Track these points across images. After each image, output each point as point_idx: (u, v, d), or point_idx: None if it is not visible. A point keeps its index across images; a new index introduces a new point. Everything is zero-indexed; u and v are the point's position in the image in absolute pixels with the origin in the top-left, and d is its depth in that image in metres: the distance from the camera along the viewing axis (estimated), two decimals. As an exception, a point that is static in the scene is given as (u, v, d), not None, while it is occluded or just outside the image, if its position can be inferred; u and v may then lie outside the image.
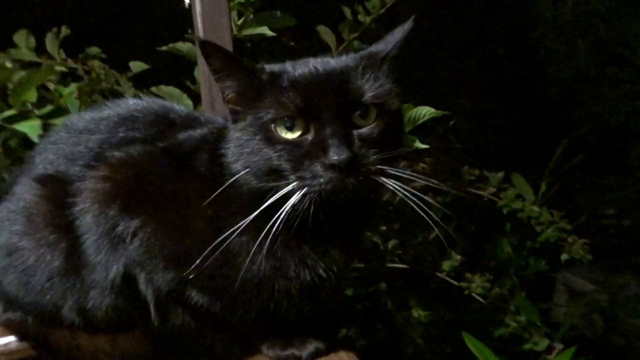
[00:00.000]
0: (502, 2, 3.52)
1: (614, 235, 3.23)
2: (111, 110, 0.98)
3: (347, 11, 1.75)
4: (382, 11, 1.72)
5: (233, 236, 0.82)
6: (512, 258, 2.15)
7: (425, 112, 0.98)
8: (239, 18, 1.36)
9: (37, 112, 1.22)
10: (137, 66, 1.77)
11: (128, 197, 0.87)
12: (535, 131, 3.26)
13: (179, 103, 1.12)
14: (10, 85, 1.16)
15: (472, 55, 3.40)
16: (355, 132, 0.78)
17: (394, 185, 0.79)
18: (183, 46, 1.39)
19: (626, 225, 3.17)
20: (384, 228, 1.91)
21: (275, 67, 0.83)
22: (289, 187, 0.77)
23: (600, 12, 3.09)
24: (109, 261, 0.88)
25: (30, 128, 1.09)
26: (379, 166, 0.78)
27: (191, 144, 0.91)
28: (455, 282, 1.78)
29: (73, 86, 1.52)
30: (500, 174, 1.91)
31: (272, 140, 0.78)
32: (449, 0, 3.33)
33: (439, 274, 1.79)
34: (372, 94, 0.79)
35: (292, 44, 2.11)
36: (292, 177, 0.77)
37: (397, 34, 0.85)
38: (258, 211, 0.77)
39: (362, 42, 1.76)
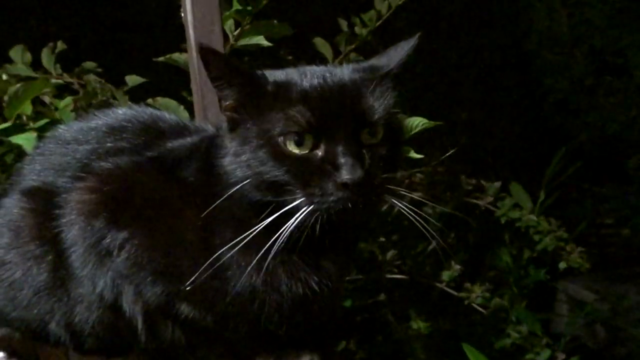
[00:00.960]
0: (497, 12, 3.55)
1: (613, 245, 3.23)
2: (100, 120, 0.97)
3: (344, 23, 1.76)
4: (378, 23, 1.73)
5: (224, 249, 0.80)
6: (512, 268, 2.14)
7: (418, 122, 0.97)
8: (236, 28, 1.36)
9: (32, 125, 1.21)
10: (133, 80, 1.77)
11: (115, 209, 0.85)
12: (532, 141, 3.27)
13: (175, 114, 1.11)
14: (5, 98, 1.16)
15: (469, 65, 3.41)
16: (365, 150, 0.77)
17: (401, 204, 0.79)
18: (179, 57, 1.39)
19: (625, 234, 3.17)
20: (382, 239, 1.90)
21: (278, 75, 0.81)
22: (296, 203, 0.75)
23: (596, 22, 3.12)
24: (95, 275, 0.86)
25: (25, 140, 1.08)
26: (386, 185, 0.78)
27: (180, 152, 0.89)
28: (455, 293, 1.76)
29: (69, 99, 1.52)
30: (498, 184, 1.91)
31: (279, 154, 0.75)
32: (445, 11, 3.36)
33: (438, 285, 1.78)
34: (381, 113, 0.78)
35: (289, 57, 2.12)
36: (300, 193, 0.75)
37: (402, 50, 0.84)
38: (259, 227, 0.75)
39: (358, 55, 1.77)
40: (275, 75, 0.81)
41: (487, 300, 1.77)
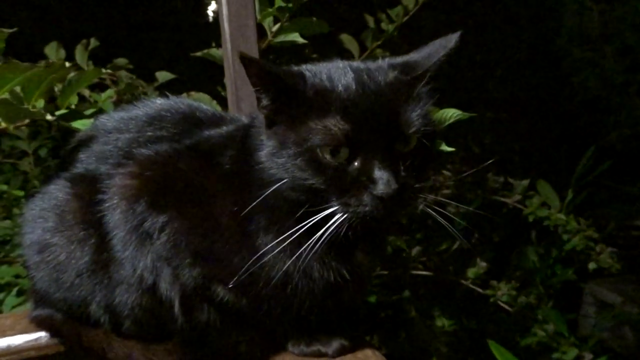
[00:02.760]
0: (527, 10, 3.50)
1: (644, 247, 3.15)
2: (139, 110, 1.00)
3: (370, 19, 1.76)
4: (405, 19, 1.72)
5: (259, 236, 0.83)
6: (538, 267, 2.11)
7: (451, 114, 0.97)
8: (275, 24, 1.38)
9: (85, 112, 1.25)
10: (163, 76, 1.81)
11: (155, 193, 0.88)
12: (561, 139, 3.21)
13: (210, 107, 1.13)
14: (59, 86, 1.19)
15: (497, 63, 3.37)
16: (400, 160, 0.78)
17: (433, 211, 0.82)
18: (216, 52, 1.41)
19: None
20: (407, 237, 1.89)
21: (318, 74, 0.80)
22: (331, 210, 0.77)
23: (627, 18, 3.05)
24: (136, 257, 0.89)
25: (83, 126, 1.12)
26: (418, 193, 0.80)
27: (218, 140, 0.92)
28: (480, 290, 1.75)
29: (110, 91, 1.56)
30: (525, 182, 1.88)
31: (316, 163, 0.77)
32: (473, 7, 3.32)
33: (463, 282, 1.77)
34: (417, 125, 0.79)
35: (314, 55, 2.13)
36: (336, 201, 0.77)
37: (440, 49, 0.83)
38: (296, 228, 0.78)
39: (385, 51, 1.77)
40: (314, 72, 0.81)
41: (513, 299, 1.75)
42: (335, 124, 0.76)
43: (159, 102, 1.01)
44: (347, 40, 1.71)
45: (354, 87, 0.78)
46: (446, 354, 1.88)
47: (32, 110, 1.04)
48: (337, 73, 0.81)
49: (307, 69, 0.83)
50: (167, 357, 0.96)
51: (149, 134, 0.95)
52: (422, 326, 1.88)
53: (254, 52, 1.21)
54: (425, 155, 0.81)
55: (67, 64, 1.09)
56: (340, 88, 0.78)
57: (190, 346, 0.95)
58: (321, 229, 0.77)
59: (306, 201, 0.78)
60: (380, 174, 0.75)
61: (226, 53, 1.24)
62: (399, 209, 0.78)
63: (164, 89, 1.78)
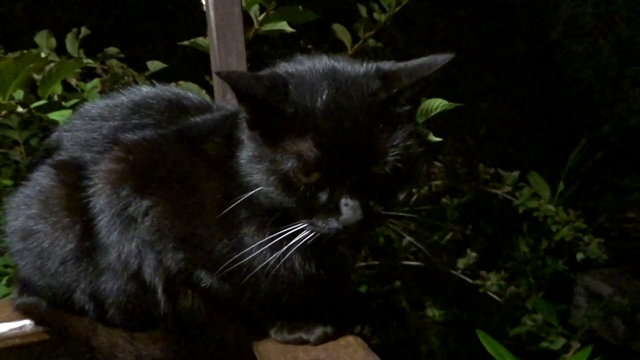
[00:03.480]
0: (522, 1, 3.49)
1: (635, 239, 3.17)
2: (125, 97, 1.00)
3: (363, 9, 1.75)
4: (397, 9, 1.71)
5: (242, 225, 0.83)
6: (529, 258, 2.12)
7: (437, 104, 0.97)
8: (261, 13, 1.37)
9: (64, 103, 1.25)
10: (154, 65, 1.80)
11: (140, 178, 0.88)
12: (553, 130, 3.22)
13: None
14: (39, 77, 1.19)
15: (491, 54, 3.37)
16: (371, 182, 0.77)
17: (397, 227, 0.83)
18: (203, 41, 1.41)
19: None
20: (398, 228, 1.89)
21: (300, 92, 0.77)
22: (299, 227, 0.79)
23: (621, 11, 3.05)
24: (120, 242, 0.90)
25: (61, 117, 1.12)
26: (388, 213, 0.80)
27: (204, 127, 0.92)
28: (470, 280, 1.76)
29: (95, 81, 1.56)
30: (516, 173, 1.89)
31: (287, 184, 0.78)
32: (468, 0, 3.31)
33: (454, 272, 1.78)
34: (394, 153, 0.77)
35: (309, 46, 2.11)
36: (305, 220, 0.79)
37: (427, 67, 0.78)
38: (272, 236, 0.80)
39: (377, 41, 1.76)
40: (298, 81, 0.78)
41: (503, 289, 1.76)
42: (308, 149, 0.75)
43: (144, 90, 1.01)
44: (340, 30, 1.70)
45: (332, 106, 0.76)
46: (436, 343, 1.89)
47: (2, 102, 1.04)
48: (319, 83, 0.78)
49: (292, 73, 0.80)
50: (153, 345, 0.97)
51: (135, 121, 0.95)
52: (412, 316, 1.89)
53: (239, 41, 1.21)
54: (401, 178, 0.80)
55: (44, 54, 1.08)
56: (319, 105, 0.76)
57: (176, 334, 0.96)
58: (298, 235, 0.79)
59: (279, 211, 0.80)
60: (346, 203, 0.76)
61: (212, 42, 1.24)
62: (364, 233, 0.81)
63: (156, 78, 1.78)
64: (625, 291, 2.65)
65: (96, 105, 1.01)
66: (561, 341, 1.66)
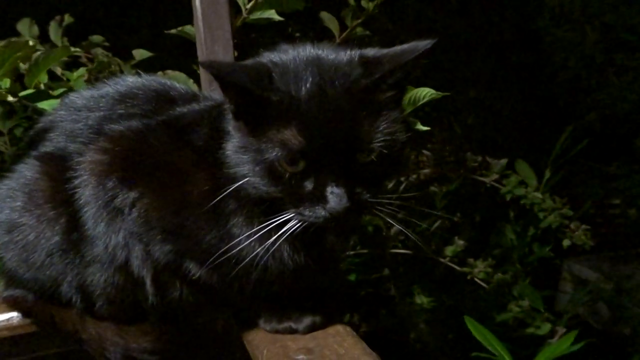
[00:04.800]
0: (508, -11, 3.48)
1: (620, 225, 3.21)
2: (110, 88, 0.99)
3: (350, -3, 1.74)
4: (385, -4, 1.70)
5: (230, 216, 0.83)
6: (516, 245, 2.15)
7: (425, 93, 0.97)
8: (249, 1, 1.36)
9: (52, 92, 1.23)
10: (140, 54, 1.78)
11: (126, 169, 0.88)
12: (540, 118, 3.24)
13: (185, 86, 1.12)
14: (25, 66, 1.17)
15: (478, 42, 3.37)
16: (357, 170, 0.77)
17: (385, 215, 0.82)
18: (191, 29, 1.39)
19: (632, 215, 3.15)
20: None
21: (284, 81, 0.77)
22: (288, 217, 0.79)
23: (608, -2, 3.06)
24: (107, 234, 0.89)
25: (49, 106, 1.10)
26: (375, 200, 0.80)
27: (191, 117, 0.91)
28: (457, 268, 1.78)
29: (82, 70, 1.53)
30: (504, 161, 1.90)
31: (273, 173, 0.78)
32: (454, -13, 3.30)
33: (442, 260, 1.79)
34: (379, 140, 0.77)
35: (297, 34, 2.10)
36: (292, 209, 0.79)
37: (409, 53, 0.78)
38: (259, 227, 0.80)
39: (365, 29, 1.75)
40: (282, 70, 0.78)
41: (490, 276, 1.78)
42: (292, 138, 0.75)
43: (130, 80, 1.00)
44: (327, 19, 1.69)
45: (316, 95, 0.76)
46: (425, 330, 1.91)
47: (-11, 91, 1.02)
48: (303, 71, 0.78)
49: (275, 62, 0.80)
50: (142, 337, 0.96)
51: (120, 111, 0.94)
52: (401, 304, 1.91)
53: (226, 30, 1.20)
54: (387, 165, 0.80)
55: (32, 42, 1.06)
56: (303, 93, 0.76)
57: (165, 325, 0.96)
58: (286, 225, 0.79)
59: (266, 202, 0.80)
60: (332, 191, 0.76)
61: (198, 31, 1.23)
62: (352, 220, 0.81)
63: (142, 67, 1.75)
64: (610, 276, 2.70)
65: (81, 95, 1.00)
66: (547, 326, 1.69)
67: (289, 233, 0.79)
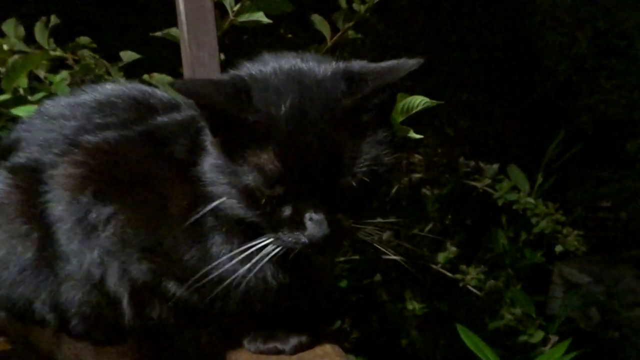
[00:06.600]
0: (499, -8, 3.49)
1: (610, 228, 3.23)
2: (87, 95, 0.95)
3: (342, 0, 1.73)
4: (377, 0, 1.69)
5: (209, 235, 0.80)
6: (508, 250, 2.14)
7: (419, 101, 0.95)
8: (236, 3, 1.34)
9: (30, 98, 1.20)
10: (127, 56, 1.75)
11: (101, 183, 0.84)
12: (532, 123, 3.25)
13: (169, 91, 1.09)
14: (2, 70, 1.14)
15: (469, 46, 3.37)
16: (339, 195, 0.73)
17: (369, 239, 0.79)
18: (176, 32, 1.36)
19: (623, 218, 3.17)
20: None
21: (263, 97, 0.72)
22: (265, 242, 0.75)
23: (600, 2, 3.07)
24: (82, 251, 0.85)
25: (26, 113, 1.07)
26: (357, 225, 0.76)
27: (172, 128, 0.87)
28: (450, 274, 1.77)
29: (65, 73, 1.50)
30: (496, 166, 1.90)
31: (250, 198, 0.74)
32: (447, -9, 3.30)
33: (434, 266, 1.78)
34: (365, 163, 0.72)
35: (289, 36, 2.08)
36: (271, 234, 0.75)
37: (396, 71, 0.73)
38: (238, 250, 0.77)
39: (356, 32, 1.74)
40: (262, 85, 0.74)
41: (482, 282, 1.77)
42: (269, 162, 0.71)
43: (109, 88, 0.96)
44: (318, 22, 1.67)
45: (296, 115, 0.71)
46: (416, 336, 1.90)
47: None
48: (284, 88, 0.73)
49: (255, 77, 0.76)
50: (121, 358, 0.93)
51: (97, 120, 0.90)
52: (392, 309, 1.89)
53: (212, 35, 1.16)
54: (372, 189, 0.76)
55: (6, 47, 1.03)
56: (282, 113, 0.71)
57: (146, 347, 0.92)
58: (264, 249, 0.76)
59: (244, 224, 0.77)
60: (311, 217, 0.71)
61: (182, 37, 1.19)
62: (331, 247, 0.78)
63: (129, 69, 1.73)
64: (600, 280, 2.70)
65: (57, 103, 0.96)
66: (540, 334, 1.68)
67: (268, 258, 0.75)
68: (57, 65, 1.68)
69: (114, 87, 0.96)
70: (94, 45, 1.76)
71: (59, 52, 1.60)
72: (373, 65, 0.77)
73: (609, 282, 2.72)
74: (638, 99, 2.95)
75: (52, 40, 1.71)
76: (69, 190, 0.85)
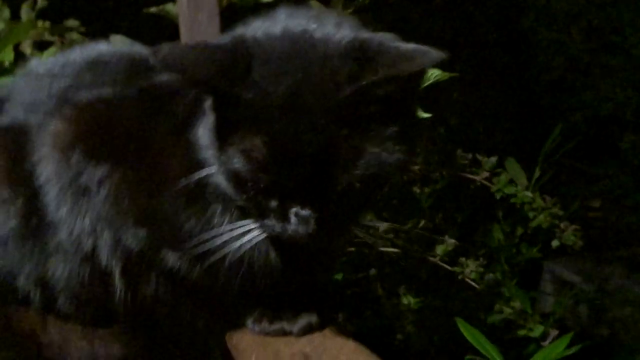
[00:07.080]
0: (494, -11, 3.49)
1: (600, 227, 3.24)
2: (78, 53, 0.89)
3: (341, -14, 1.69)
4: (375, -5, 1.66)
5: (210, 203, 0.75)
6: (503, 245, 2.13)
7: (430, 74, 0.91)
8: (236, -19, 1.29)
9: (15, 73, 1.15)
10: (117, 40, 1.70)
11: (94, 141, 0.78)
12: (526, 119, 3.26)
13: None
14: None
15: (463, 42, 3.36)
16: (333, 194, 0.66)
17: (366, 238, 0.75)
18: (172, 8, 1.32)
19: (612, 218, 3.18)
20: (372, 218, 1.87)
21: (264, 70, 0.65)
22: (251, 226, 0.71)
23: None
24: (72, 217, 0.79)
25: (5, 81, 1.01)
26: (350, 221, 0.72)
27: (172, 85, 0.80)
28: (448, 267, 1.74)
29: (51, 50, 1.45)
30: (494, 159, 1.88)
31: (237, 181, 0.69)
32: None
33: (431, 259, 1.76)
34: (365, 161, 0.65)
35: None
36: (256, 221, 0.71)
37: (416, 60, 0.63)
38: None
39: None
40: (266, 56, 0.66)
41: (480, 276, 1.75)
42: (256, 149, 0.65)
43: (103, 46, 0.90)
44: (317, 8, 1.64)
45: (292, 98, 0.64)
46: (412, 331, 1.89)
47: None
48: (286, 60, 0.65)
49: (260, 42, 0.68)
50: (112, 342, 0.87)
51: (90, 78, 0.83)
52: (388, 304, 1.87)
53: (213, 10, 1.11)
54: (373, 190, 0.70)
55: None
56: (279, 94, 0.64)
57: (139, 329, 0.87)
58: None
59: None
60: (297, 212, 0.66)
61: (181, 9, 1.14)
62: (319, 243, 0.71)
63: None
64: (591, 278, 2.71)
65: (44, 62, 0.90)
66: (540, 329, 1.67)
67: (254, 242, 0.71)
68: (45, 47, 1.63)
69: (109, 46, 0.90)
70: (82, 29, 1.70)
71: (46, 31, 1.54)
72: (394, 45, 0.66)
73: (598, 281, 2.73)
74: (632, 96, 2.96)
75: (40, 22, 1.66)
76: (58, 149, 0.79)
